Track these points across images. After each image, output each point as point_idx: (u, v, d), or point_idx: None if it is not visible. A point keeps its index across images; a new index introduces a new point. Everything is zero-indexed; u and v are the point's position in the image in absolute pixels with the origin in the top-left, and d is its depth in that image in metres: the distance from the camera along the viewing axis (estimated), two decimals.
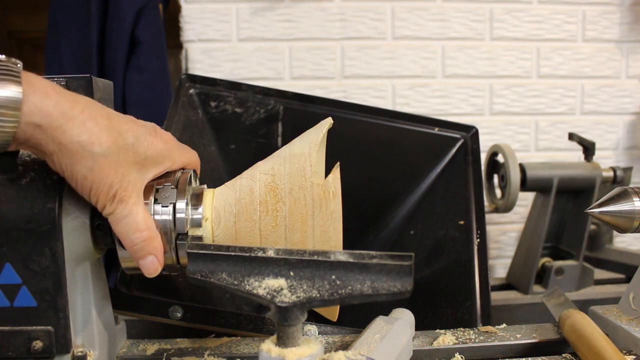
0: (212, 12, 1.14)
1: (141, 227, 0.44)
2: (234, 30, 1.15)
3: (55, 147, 0.41)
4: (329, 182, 0.46)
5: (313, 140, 0.49)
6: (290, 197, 0.47)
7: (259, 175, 0.49)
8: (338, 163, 0.47)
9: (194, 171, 0.53)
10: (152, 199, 0.46)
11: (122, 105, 1.08)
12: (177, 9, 1.15)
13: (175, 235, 0.47)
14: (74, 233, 0.46)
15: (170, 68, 1.15)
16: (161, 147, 0.47)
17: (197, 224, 0.48)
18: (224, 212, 0.48)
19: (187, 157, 0.51)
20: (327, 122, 0.50)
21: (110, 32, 1.07)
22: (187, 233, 0.47)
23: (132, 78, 1.08)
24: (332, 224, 0.46)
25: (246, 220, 0.47)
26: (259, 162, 0.51)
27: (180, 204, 0.47)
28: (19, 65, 0.40)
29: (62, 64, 1.10)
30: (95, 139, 0.41)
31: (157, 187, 0.47)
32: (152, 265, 0.46)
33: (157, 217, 0.46)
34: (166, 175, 0.49)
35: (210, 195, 0.50)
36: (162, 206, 0.46)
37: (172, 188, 0.47)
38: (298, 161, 0.48)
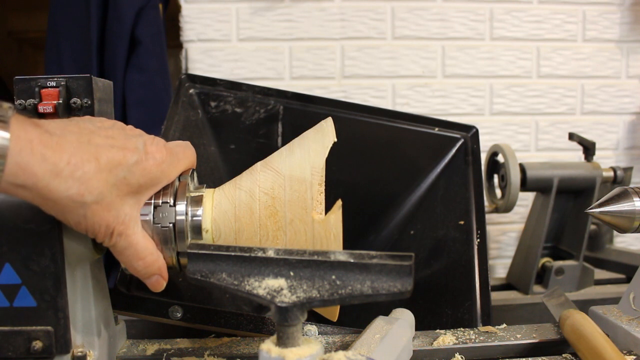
0: (212, 12, 1.14)
1: (142, 254, 0.45)
2: (234, 30, 1.14)
3: (42, 201, 0.39)
4: (330, 222, 0.45)
5: (315, 164, 0.47)
6: (291, 228, 0.47)
7: (258, 194, 0.48)
8: (340, 201, 0.46)
9: (193, 170, 0.52)
10: (150, 217, 0.46)
11: (122, 105, 1.08)
12: (177, 9, 1.15)
13: (175, 245, 0.47)
14: (74, 233, 0.46)
15: (170, 68, 1.15)
16: (155, 171, 0.45)
17: (198, 234, 0.48)
18: (224, 227, 0.48)
19: (182, 166, 0.49)
20: (331, 133, 0.49)
21: (110, 32, 1.06)
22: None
23: (132, 78, 1.08)
24: None
25: (246, 240, 0.48)
26: (258, 167, 0.50)
27: (180, 218, 0.47)
28: (9, 112, 0.36)
29: (62, 63, 1.10)
30: (85, 189, 0.39)
31: (155, 205, 0.47)
32: (158, 283, 0.47)
33: (157, 235, 0.46)
34: (163, 189, 0.48)
35: (209, 204, 0.49)
36: (162, 227, 0.46)
37: (170, 206, 0.47)
38: (299, 188, 0.47)
